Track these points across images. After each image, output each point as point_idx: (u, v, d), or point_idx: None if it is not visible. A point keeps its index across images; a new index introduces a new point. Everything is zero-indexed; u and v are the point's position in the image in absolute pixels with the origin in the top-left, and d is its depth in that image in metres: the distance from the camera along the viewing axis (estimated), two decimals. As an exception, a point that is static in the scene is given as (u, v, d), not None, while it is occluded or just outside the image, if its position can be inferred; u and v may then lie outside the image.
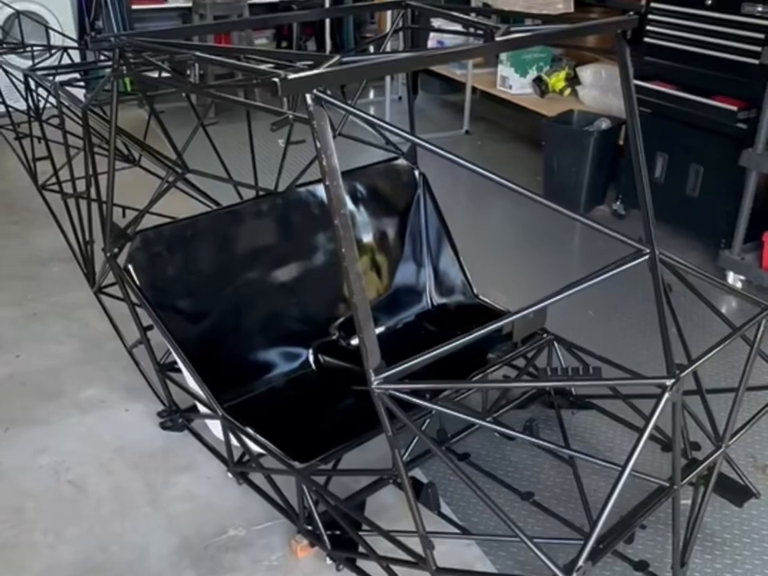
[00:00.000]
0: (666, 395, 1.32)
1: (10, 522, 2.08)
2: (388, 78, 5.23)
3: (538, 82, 4.82)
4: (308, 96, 1.33)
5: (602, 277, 1.55)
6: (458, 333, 2.59)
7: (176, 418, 2.39)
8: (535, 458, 2.29)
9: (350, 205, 2.62)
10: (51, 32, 5.88)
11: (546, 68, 4.93)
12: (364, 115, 1.45)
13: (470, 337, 1.54)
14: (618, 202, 3.95)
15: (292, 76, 1.30)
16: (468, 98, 5.32)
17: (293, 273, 2.46)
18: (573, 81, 4.81)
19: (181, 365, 2.12)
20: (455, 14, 2.18)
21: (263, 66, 1.43)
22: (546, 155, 4.09)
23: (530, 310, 1.68)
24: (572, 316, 2.79)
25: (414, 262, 2.76)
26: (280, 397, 2.31)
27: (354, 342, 2.53)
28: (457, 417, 1.55)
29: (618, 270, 1.53)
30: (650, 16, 3.48)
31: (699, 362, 1.45)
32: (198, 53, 1.63)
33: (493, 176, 1.44)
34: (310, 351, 2.46)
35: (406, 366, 1.51)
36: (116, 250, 2.14)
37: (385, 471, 1.99)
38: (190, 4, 5.80)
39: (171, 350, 2.12)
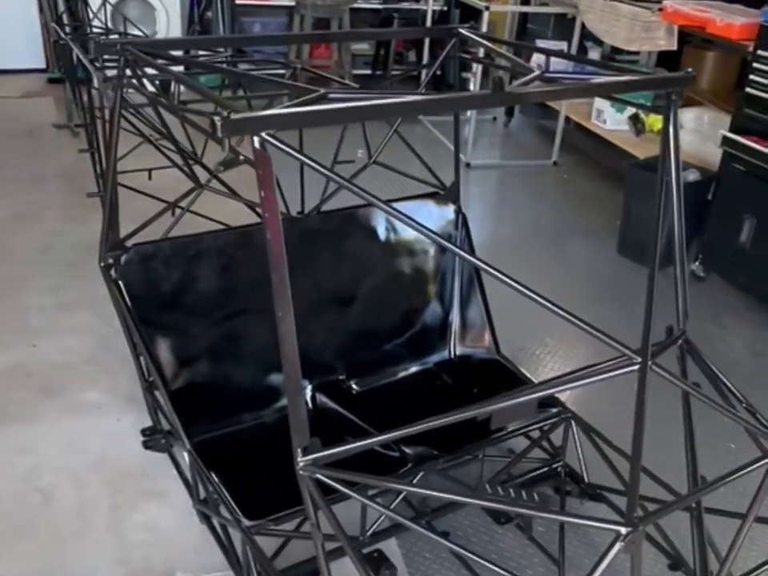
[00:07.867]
0: (617, 546, 1.08)
1: (-30, 522, 2.05)
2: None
3: (635, 120, 4.48)
4: (255, 139, 1.18)
5: (585, 381, 1.32)
6: (474, 391, 2.45)
7: (159, 438, 2.30)
8: (526, 548, 2.05)
9: (381, 237, 2.46)
10: (157, 20, 6.03)
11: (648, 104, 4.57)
12: (336, 177, 1.27)
13: (442, 420, 1.33)
14: (698, 263, 3.59)
15: (235, 116, 1.15)
16: (560, 127, 5.03)
17: (301, 305, 2.31)
18: (674, 122, 4.44)
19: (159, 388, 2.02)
20: (497, 50, 1.99)
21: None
22: (626, 201, 3.78)
23: (512, 401, 1.46)
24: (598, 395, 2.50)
25: (441, 306, 2.56)
26: (263, 435, 2.17)
27: (357, 384, 2.38)
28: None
29: (603, 376, 1.29)
30: (755, 64, 3.13)
31: (662, 511, 1.18)
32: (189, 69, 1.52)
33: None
34: (308, 388, 2.31)
35: (337, 450, 1.34)
36: (110, 261, 2.06)
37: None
38: (293, 3, 5.77)
39: (150, 371, 2.02)
